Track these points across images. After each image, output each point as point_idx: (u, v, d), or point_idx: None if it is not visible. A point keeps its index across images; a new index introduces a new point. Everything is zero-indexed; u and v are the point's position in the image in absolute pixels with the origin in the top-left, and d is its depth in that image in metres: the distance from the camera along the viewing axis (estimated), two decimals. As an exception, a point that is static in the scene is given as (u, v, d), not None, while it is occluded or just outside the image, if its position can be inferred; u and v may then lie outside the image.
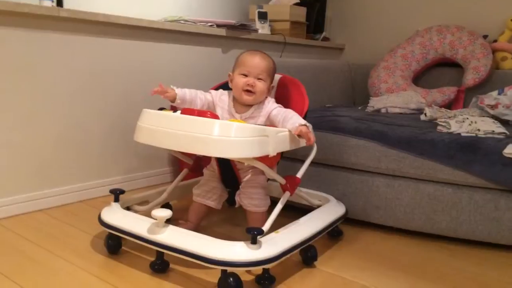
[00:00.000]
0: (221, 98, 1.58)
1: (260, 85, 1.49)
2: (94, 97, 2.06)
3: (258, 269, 1.32)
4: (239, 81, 1.50)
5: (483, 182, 1.61)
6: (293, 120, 1.41)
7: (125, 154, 2.22)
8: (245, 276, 1.34)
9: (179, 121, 1.30)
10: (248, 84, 1.48)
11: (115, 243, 1.50)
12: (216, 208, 1.64)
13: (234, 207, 1.65)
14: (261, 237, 1.30)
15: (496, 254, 1.65)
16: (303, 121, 1.41)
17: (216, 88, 1.66)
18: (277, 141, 1.35)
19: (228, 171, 1.58)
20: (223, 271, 1.25)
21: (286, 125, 1.42)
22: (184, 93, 1.51)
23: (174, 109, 1.49)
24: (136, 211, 1.61)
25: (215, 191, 1.62)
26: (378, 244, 1.71)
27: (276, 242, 1.32)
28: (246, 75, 1.50)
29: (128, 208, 1.61)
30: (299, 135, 1.38)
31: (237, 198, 1.59)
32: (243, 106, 1.54)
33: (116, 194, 1.57)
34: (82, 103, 2.02)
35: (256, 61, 1.50)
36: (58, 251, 1.51)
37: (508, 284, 1.44)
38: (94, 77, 2.05)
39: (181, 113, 1.36)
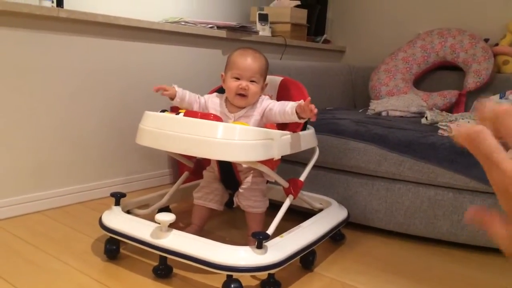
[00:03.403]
0: (213, 100, 1.58)
1: (253, 88, 1.49)
2: (93, 99, 2.05)
3: (263, 274, 1.30)
4: (232, 84, 1.49)
5: (484, 187, 1.60)
6: (290, 104, 1.43)
7: (124, 155, 2.21)
8: (250, 280, 1.33)
9: (182, 123, 1.29)
10: (241, 88, 1.48)
11: (114, 248, 1.46)
12: (218, 209, 1.63)
13: (232, 208, 1.64)
14: (266, 242, 1.28)
15: (496, 259, 1.64)
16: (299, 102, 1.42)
17: (213, 93, 1.65)
18: (282, 144, 1.34)
19: (228, 173, 1.57)
20: (229, 276, 1.23)
21: (286, 109, 1.43)
22: (184, 93, 1.54)
23: (176, 110, 1.48)
24: (136, 215, 1.58)
25: (217, 193, 1.61)
26: (378, 249, 1.70)
27: (282, 247, 1.31)
28: (238, 78, 1.49)
29: (128, 212, 1.59)
30: (300, 117, 1.39)
31: (235, 199, 1.58)
32: (236, 106, 1.54)
33: (117, 198, 1.54)
34: (81, 104, 2.01)
35: (248, 63, 1.49)
36: (57, 254, 1.50)
37: (508, 290, 1.43)
38: (93, 78, 2.04)
39: (184, 115, 1.35)
